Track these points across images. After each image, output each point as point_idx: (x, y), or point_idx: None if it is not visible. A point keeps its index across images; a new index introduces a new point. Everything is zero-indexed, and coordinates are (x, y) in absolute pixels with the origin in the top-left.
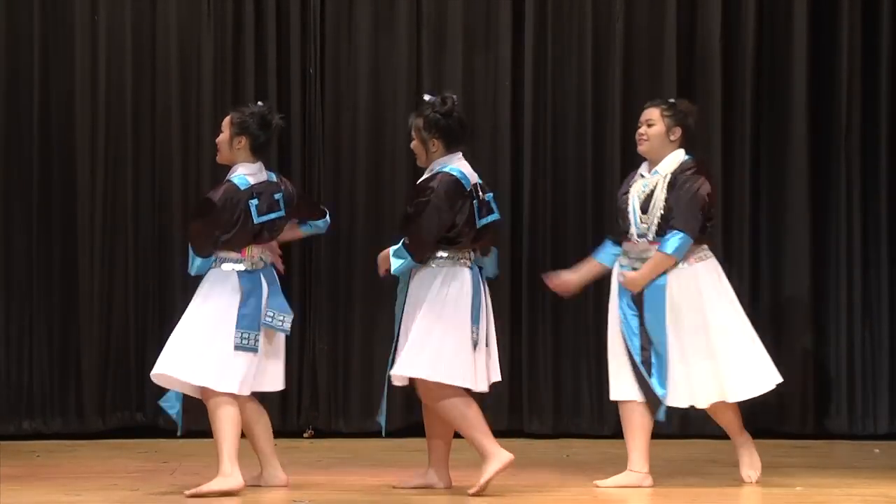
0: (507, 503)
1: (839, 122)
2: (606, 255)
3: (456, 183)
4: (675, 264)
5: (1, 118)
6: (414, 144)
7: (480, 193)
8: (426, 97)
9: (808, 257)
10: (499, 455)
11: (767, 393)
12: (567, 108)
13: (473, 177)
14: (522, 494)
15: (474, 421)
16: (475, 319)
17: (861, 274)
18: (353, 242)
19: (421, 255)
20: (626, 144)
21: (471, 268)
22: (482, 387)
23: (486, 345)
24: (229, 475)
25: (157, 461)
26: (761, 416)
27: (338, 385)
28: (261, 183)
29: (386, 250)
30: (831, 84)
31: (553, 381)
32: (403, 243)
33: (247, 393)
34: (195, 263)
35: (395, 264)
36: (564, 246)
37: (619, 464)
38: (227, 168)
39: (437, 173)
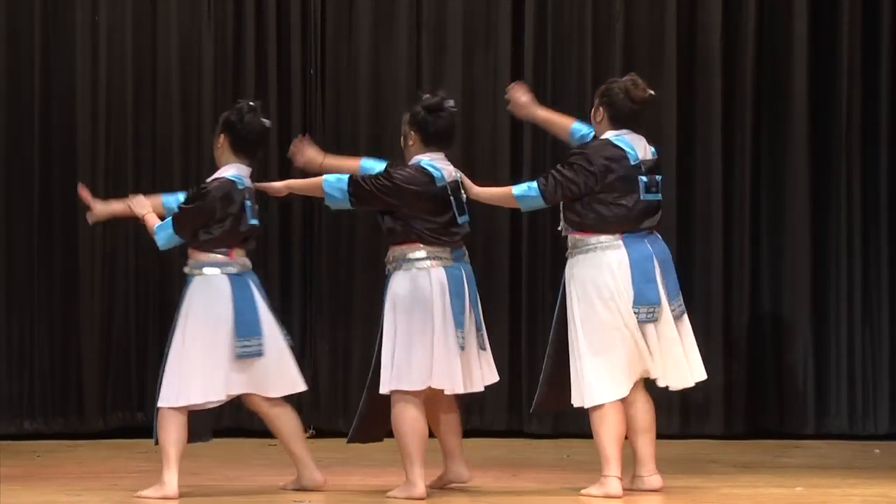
0: (508, 503)
1: (839, 122)
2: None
3: (423, 176)
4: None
5: (2, 118)
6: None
7: (462, 194)
8: (422, 94)
9: (808, 257)
10: (414, 488)
11: (768, 392)
12: (567, 108)
13: (452, 175)
14: (523, 495)
15: (418, 446)
16: (459, 322)
17: (861, 273)
18: (353, 242)
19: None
20: None
21: (449, 267)
22: (460, 388)
23: (482, 347)
24: (166, 482)
25: (158, 461)
26: (761, 417)
27: (338, 385)
28: (250, 189)
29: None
30: (832, 83)
31: None
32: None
33: (235, 392)
34: (167, 239)
35: (329, 197)
36: (564, 246)
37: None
38: None
39: (410, 165)
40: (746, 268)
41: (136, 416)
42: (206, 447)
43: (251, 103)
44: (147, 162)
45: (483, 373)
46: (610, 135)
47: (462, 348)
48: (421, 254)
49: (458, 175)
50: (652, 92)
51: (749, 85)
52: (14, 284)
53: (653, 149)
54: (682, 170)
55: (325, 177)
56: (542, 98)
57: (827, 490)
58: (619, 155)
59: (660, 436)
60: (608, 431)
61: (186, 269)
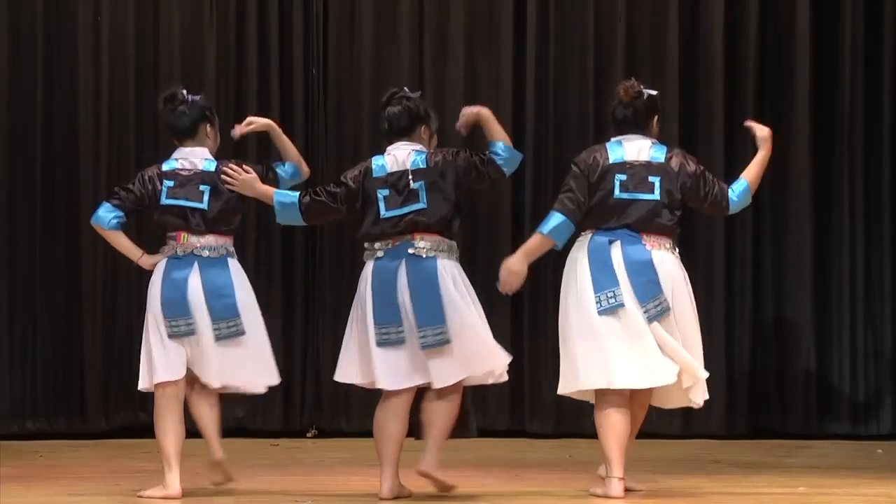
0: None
1: (842, 122)
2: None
3: (359, 171)
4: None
5: (4, 119)
6: None
7: (408, 182)
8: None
9: (810, 256)
10: (380, 488)
11: (770, 392)
12: (569, 109)
13: (397, 165)
14: (524, 495)
15: (382, 445)
16: (380, 317)
17: (864, 273)
18: (356, 242)
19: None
20: None
21: (379, 259)
22: (390, 384)
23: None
24: (167, 483)
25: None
26: (764, 417)
27: (340, 385)
28: (188, 170)
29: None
30: (834, 82)
31: (554, 381)
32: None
33: (177, 377)
34: (98, 213)
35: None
36: (566, 248)
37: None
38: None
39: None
40: (749, 267)
41: (139, 417)
42: (207, 447)
43: (170, 93)
44: (150, 162)
45: (435, 370)
46: (611, 139)
47: (395, 343)
48: (368, 253)
49: (416, 160)
50: (650, 91)
51: (751, 85)
52: (16, 285)
53: (657, 153)
54: None
55: (276, 191)
56: (543, 99)
57: (829, 490)
58: (600, 155)
59: (662, 436)
60: (609, 432)
61: None
